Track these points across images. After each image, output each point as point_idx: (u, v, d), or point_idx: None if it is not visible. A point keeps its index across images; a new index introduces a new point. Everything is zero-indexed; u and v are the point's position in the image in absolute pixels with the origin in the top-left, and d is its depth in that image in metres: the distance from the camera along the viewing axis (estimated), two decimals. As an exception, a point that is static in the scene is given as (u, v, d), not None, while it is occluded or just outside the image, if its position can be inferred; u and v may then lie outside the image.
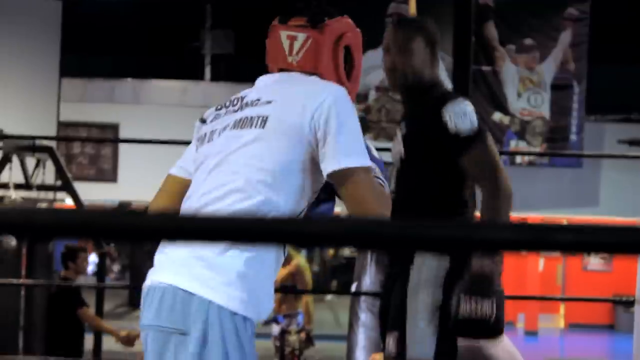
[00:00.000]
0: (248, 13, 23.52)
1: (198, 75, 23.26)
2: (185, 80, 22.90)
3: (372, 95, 20.50)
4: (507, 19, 21.30)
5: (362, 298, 7.88)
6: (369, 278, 7.82)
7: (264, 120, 4.06)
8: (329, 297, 27.39)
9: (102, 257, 15.64)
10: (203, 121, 4.38)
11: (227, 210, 4.09)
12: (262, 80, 4.45)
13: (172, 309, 4.00)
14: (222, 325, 3.94)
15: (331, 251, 34.29)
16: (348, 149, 4.15)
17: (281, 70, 4.44)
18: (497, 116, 21.26)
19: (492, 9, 21.20)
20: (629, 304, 6.60)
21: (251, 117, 4.12)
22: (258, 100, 4.19)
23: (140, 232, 1.77)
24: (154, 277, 4.10)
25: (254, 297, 3.99)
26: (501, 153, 21.41)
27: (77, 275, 12.39)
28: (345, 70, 4.40)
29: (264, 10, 22.72)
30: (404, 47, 5.56)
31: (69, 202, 16.62)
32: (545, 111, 21.16)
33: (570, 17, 21.35)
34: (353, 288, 8.22)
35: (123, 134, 21.54)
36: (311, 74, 4.33)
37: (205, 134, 4.29)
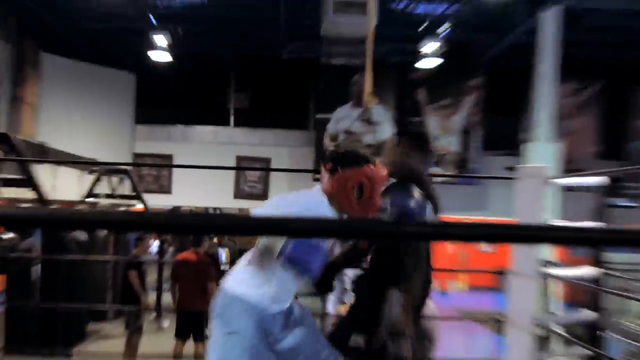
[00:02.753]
0: (260, 80, 23.63)
1: (225, 123, 23.32)
2: (217, 126, 23.04)
3: (341, 136, 20.54)
4: (431, 86, 21.49)
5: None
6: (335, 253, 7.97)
7: None
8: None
9: (161, 242, 15.82)
10: None
11: None
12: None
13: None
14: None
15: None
16: None
17: (325, 190, 4.49)
18: (425, 151, 21.42)
19: (421, 80, 21.37)
20: (505, 273, 6.76)
21: None
22: None
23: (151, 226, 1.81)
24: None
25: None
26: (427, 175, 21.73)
27: (144, 252, 12.48)
28: (359, 197, 4.41)
29: (271, 79, 22.81)
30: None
31: (139, 206, 16.72)
32: (455, 148, 21.33)
33: (472, 86, 21.60)
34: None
35: (176, 161, 21.67)
36: (332, 196, 4.44)
37: None
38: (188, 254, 11.30)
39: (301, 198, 4.54)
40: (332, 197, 4.46)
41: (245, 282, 4.31)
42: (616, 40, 20.36)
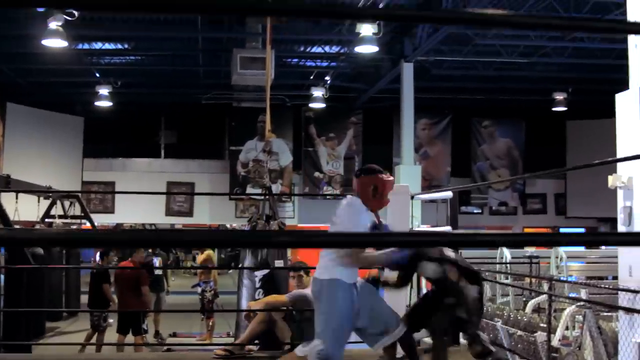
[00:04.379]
0: (185, 120, 23.35)
1: (157, 155, 22.96)
2: (150, 158, 22.60)
3: (251, 164, 20.42)
4: (320, 123, 21.50)
5: (244, 272, 7.81)
6: (247, 260, 7.75)
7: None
8: (230, 271, 27.07)
9: (103, 253, 15.45)
10: None
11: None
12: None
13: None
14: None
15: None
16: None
17: (355, 192, 5.37)
18: (317, 174, 21.37)
19: (312, 118, 21.36)
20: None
21: None
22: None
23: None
24: None
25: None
26: (318, 195, 21.57)
27: (108, 263, 12.11)
28: (374, 195, 5.25)
29: (193, 119, 22.55)
30: None
31: (88, 225, 16.26)
32: (341, 171, 21.36)
33: (352, 122, 21.66)
34: (240, 265, 8.15)
35: (117, 187, 21.20)
36: (359, 195, 5.28)
37: None
38: (126, 263, 10.95)
39: (349, 200, 5.38)
40: (359, 194, 5.32)
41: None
42: (456, 85, 20.78)
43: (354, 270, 5.22)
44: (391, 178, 5.49)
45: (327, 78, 19.45)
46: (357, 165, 21.54)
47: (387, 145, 21.29)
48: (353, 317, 5.12)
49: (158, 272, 13.99)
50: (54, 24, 13.26)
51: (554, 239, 3.85)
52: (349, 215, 5.23)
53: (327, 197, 21.46)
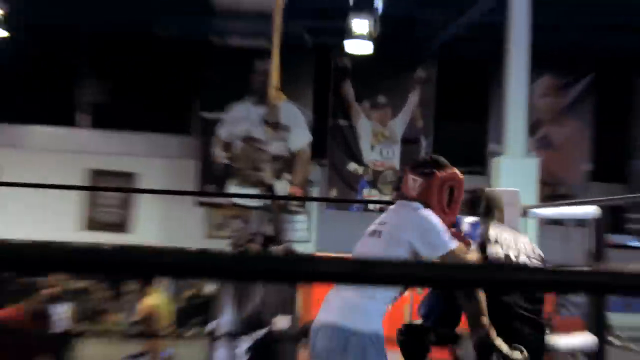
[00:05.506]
0: (123, 65, 23.29)
1: (71, 122, 22.74)
2: (59, 126, 22.19)
3: (239, 145, 20.22)
4: (363, 79, 21.42)
5: (220, 335, 7.77)
6: (227, 317, 7.72)
7: (380, 233, 6.23)
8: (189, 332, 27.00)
9: None
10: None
11: None
12: (392, 207, 6.62)
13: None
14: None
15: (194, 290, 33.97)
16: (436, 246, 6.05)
17: (412, 198, 6.21)
18: (352, 166, 21.28)
19: (349, 70, 21.29)
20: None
21: (374, 231, 6.33)
22: (384, 222, 6.31)
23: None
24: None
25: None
26: (355, 201, 21.48)
27: None
28: (449, 202, 6.20)
29: (139, 64, 22.61)
30: None
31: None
32: (395, 162, 21.25)
33: (418, 79, 21.59)
34: (212, 326, 8.10)
35: (3, 176, 21.18)
36: (423, 202, 6.15)
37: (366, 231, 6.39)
38: (11, 311, 10.82)
39: (417, 205, 6.22)
40: (425, 203, 6.18)
41: None
42: (603, 22, 20.44)
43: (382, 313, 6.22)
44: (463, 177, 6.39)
45: (377, 0, 19.37)
46: (424, 153, 21.41)
47: (477, 121, 21.18)
48: None
49: (61, 327, 13.79)
50: None
51: None
52: (433, 223, 6.11)
53: (369, 207, 21.36)
